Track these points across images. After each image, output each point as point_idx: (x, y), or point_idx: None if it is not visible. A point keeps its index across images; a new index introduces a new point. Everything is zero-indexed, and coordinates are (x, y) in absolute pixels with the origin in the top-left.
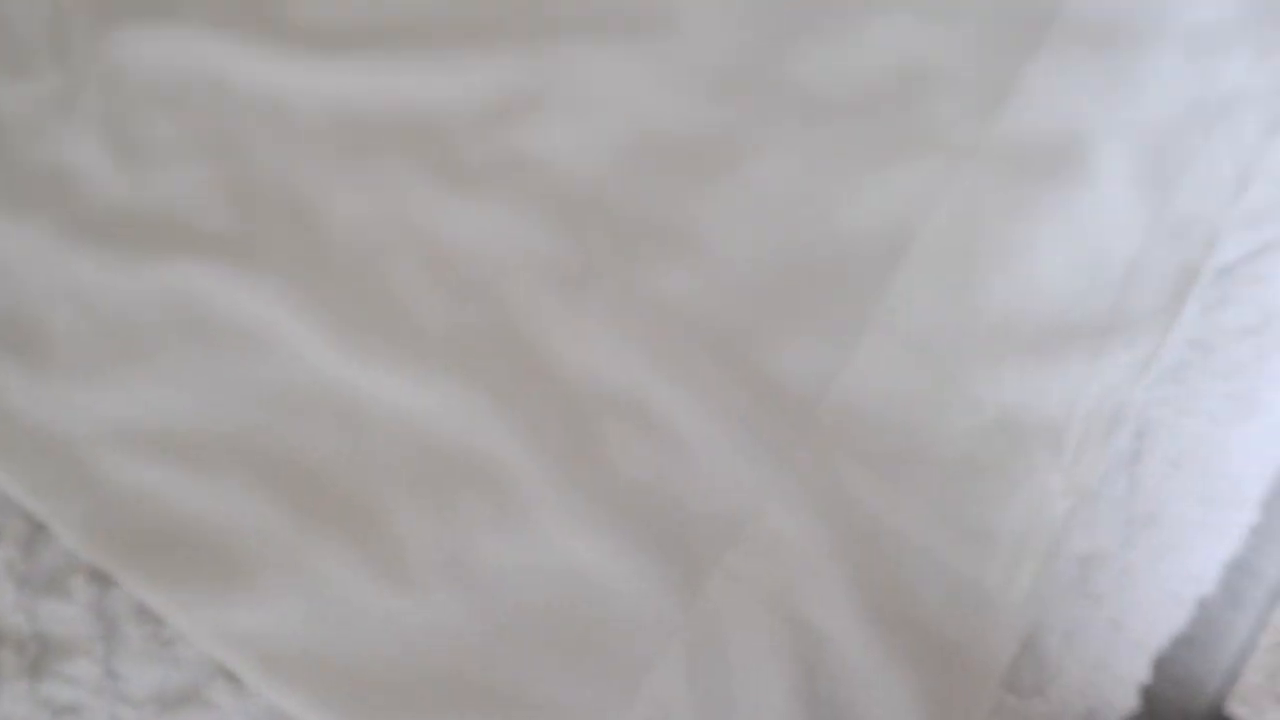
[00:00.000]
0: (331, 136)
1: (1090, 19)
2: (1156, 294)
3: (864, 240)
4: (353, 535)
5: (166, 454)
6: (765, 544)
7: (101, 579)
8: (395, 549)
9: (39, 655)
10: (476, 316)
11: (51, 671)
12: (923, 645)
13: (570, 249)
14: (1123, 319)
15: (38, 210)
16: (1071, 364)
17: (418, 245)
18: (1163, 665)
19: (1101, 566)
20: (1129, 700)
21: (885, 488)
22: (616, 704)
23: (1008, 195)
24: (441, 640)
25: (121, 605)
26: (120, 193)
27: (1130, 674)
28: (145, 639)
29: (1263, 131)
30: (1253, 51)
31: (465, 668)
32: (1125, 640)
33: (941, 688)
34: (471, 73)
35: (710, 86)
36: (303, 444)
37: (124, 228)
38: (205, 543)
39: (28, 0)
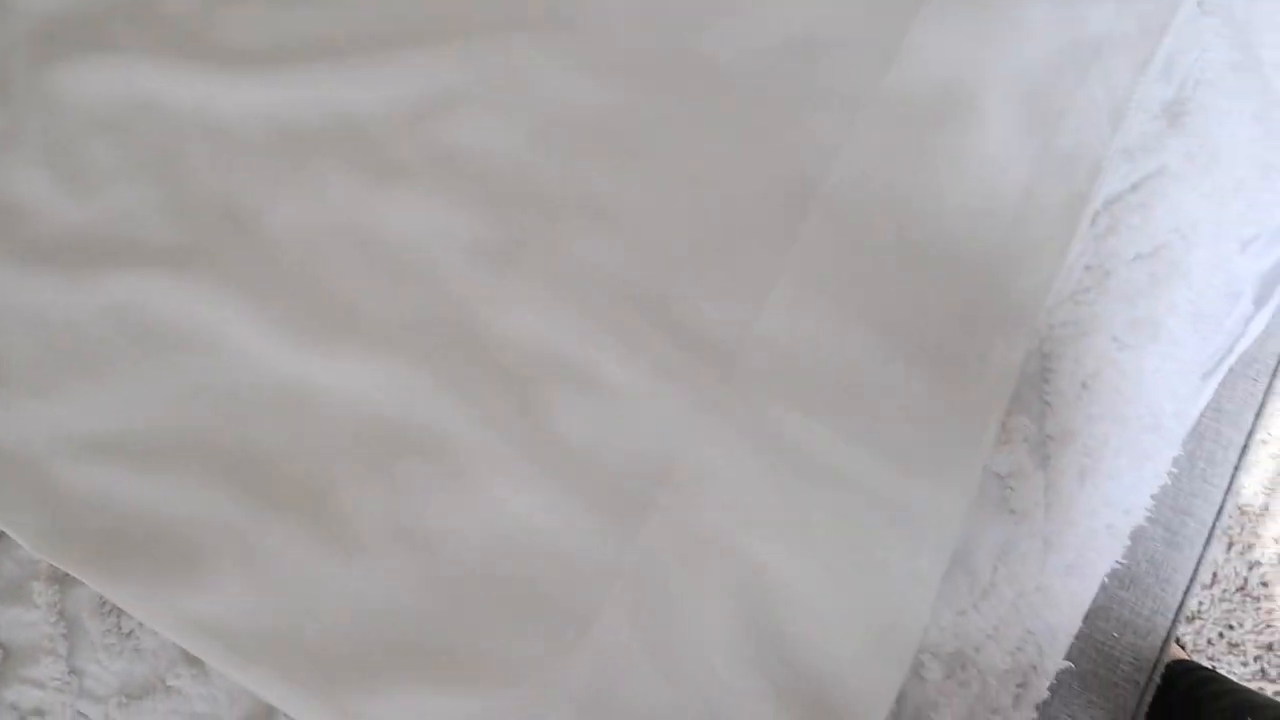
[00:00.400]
0: (267, 147)
1: None
2: (1048, 223)
3: (772, 192)
4: (303, 515)
5: (120, 458)
6: (697, 483)
7: (61, 580)
8: (345, 524)
9: (3, 663)
10: (413, 299)
11: (17, 676)
12: (858, 568)
13: (498, 229)
14: (1019, 248)
15: None
16: (975, 293)
17: (354, 240)
18: (1109, 608)
19: (1022, 483)
20: (1070, 626)
21: (810, 421)
22: (566, 651)
23: (902, 142)
24: (394, 606)
25: (82, 603)
26: (67, 217)
27: (1069, 600)
28: (105, 633)
29: (1133, 70)
30: None
31: (418, 631)
32: (1058, 563)
33: (879, 608)
34: (395, 77)
35: (617, 69)
36: (252, 436)
37: (72, 250)
38: (161, 536)
39: None
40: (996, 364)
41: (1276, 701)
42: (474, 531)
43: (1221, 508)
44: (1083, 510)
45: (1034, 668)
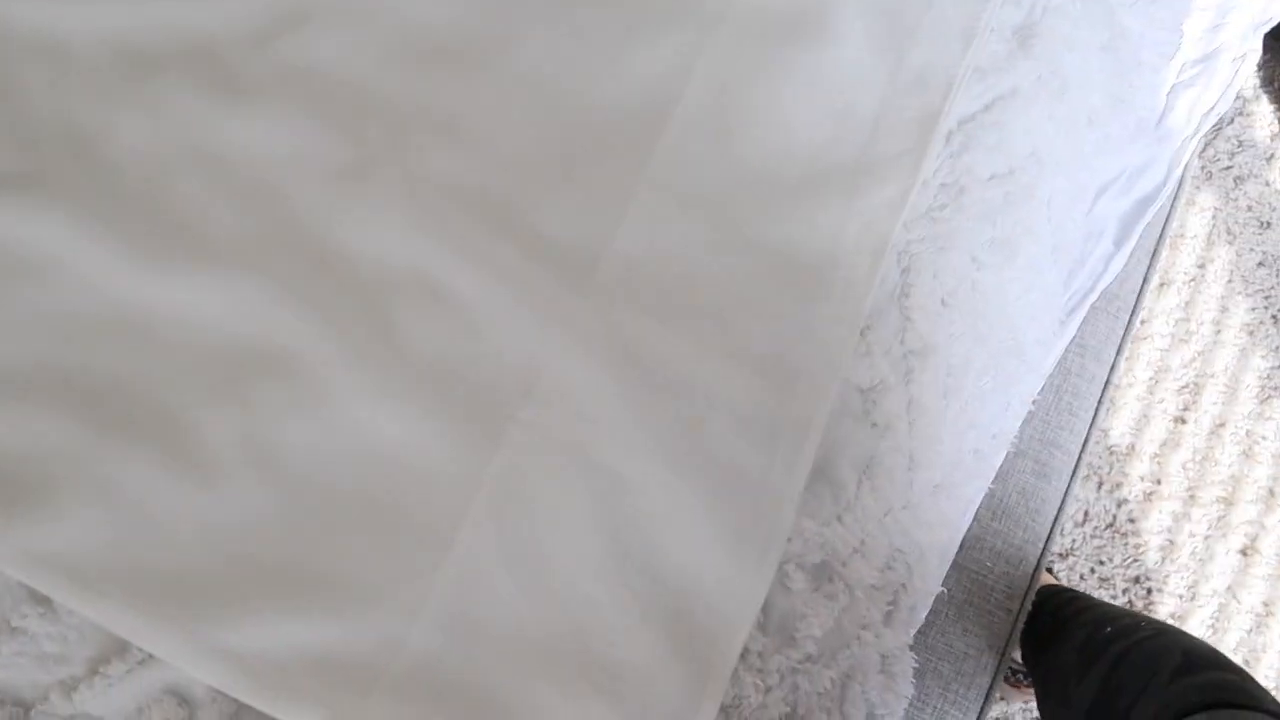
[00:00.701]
0: (111, 68)
1: None
2: (902, 139)
3: (627, 109)
4: (155, 443)
5: None
6: (556, 397)
7: None
8: (199, 449)
9: None
10: (263, 219)
11: None
12: (718, 476)
13: (348, 146)
14: (873, 162)
15: None
16: (830, 205)
17: (201, 161)
18: (981, 538)
19: (884, 396)
20: (940, 547)
21: (668, 334)
22: (428, 568)
23: (757, 58)
24: (251, 532)
25: None
26: None
27: (939, 520)
28: None
29: None
30: None
31: (276, 555)
32: (925, 481)
33: (740, 518)
34: None
35: None
36: (101, 363)
37: None
38: (3, 469)
39: None
40: (854, 276)
41: (1132, 612)
42: (331, 452)
43: (1086, 440)
44: (949, 430)
45: (903, 586)
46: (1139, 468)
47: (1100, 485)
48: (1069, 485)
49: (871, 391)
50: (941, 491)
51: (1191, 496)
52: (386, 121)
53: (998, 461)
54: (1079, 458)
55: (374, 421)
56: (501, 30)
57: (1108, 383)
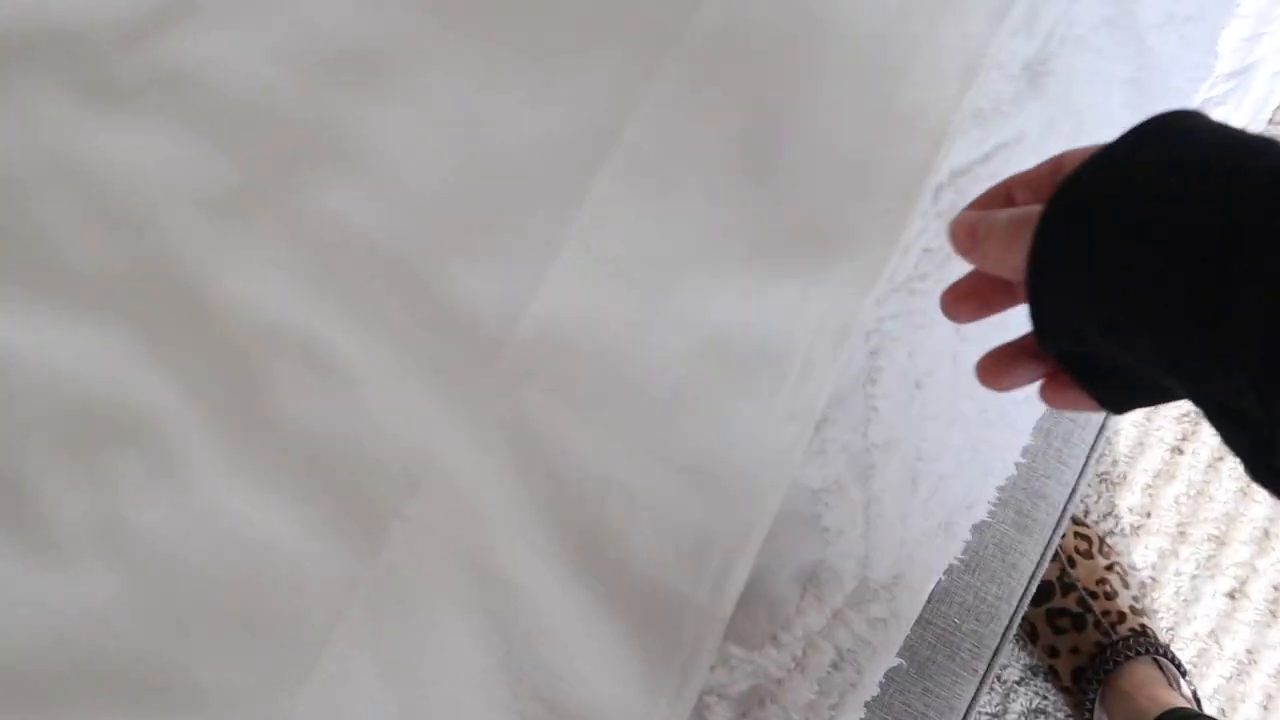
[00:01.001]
0: None
1: None
2: (880, 196)
3: (556, 147)
4: None
5: None
6: (447, 491)
7: None
8: (39, 522)
9: None
10: (126, 251)
11: None
12: (633, 594)
13: (229, 171)
14: (843, 224)
15: None
16: (788, 277)
17: (63, 175)
18: (951, 592)
19: (838, 498)
20: (895, 642)
21: (583, 423)
22: (293, 677)
23: (710, 93)
24: (93, 621)
25: None
26: None
27: (894, 615)
28: None
29: (990, 19)
30: None
31: (121, 651)
32: (880, 576)
33: (655, 644)
34: None
35: None
36: None
37: None
38: None
39: None
40: (812, 364)
41: None
42: (188, 536)
43: (1074, 491)
44: (915, 517)
45: (852, 686)
46: (1129, 498)
47: (1086, 514)
48: (1050, 538)
49: (824, 493)
50: (901, 582)
51: (1182, 533)
52: (276, 144)
53: (969, 527)
54: (1064, 510)
55: (239, 504)
56: (416, 46)
57: (1103, 428)
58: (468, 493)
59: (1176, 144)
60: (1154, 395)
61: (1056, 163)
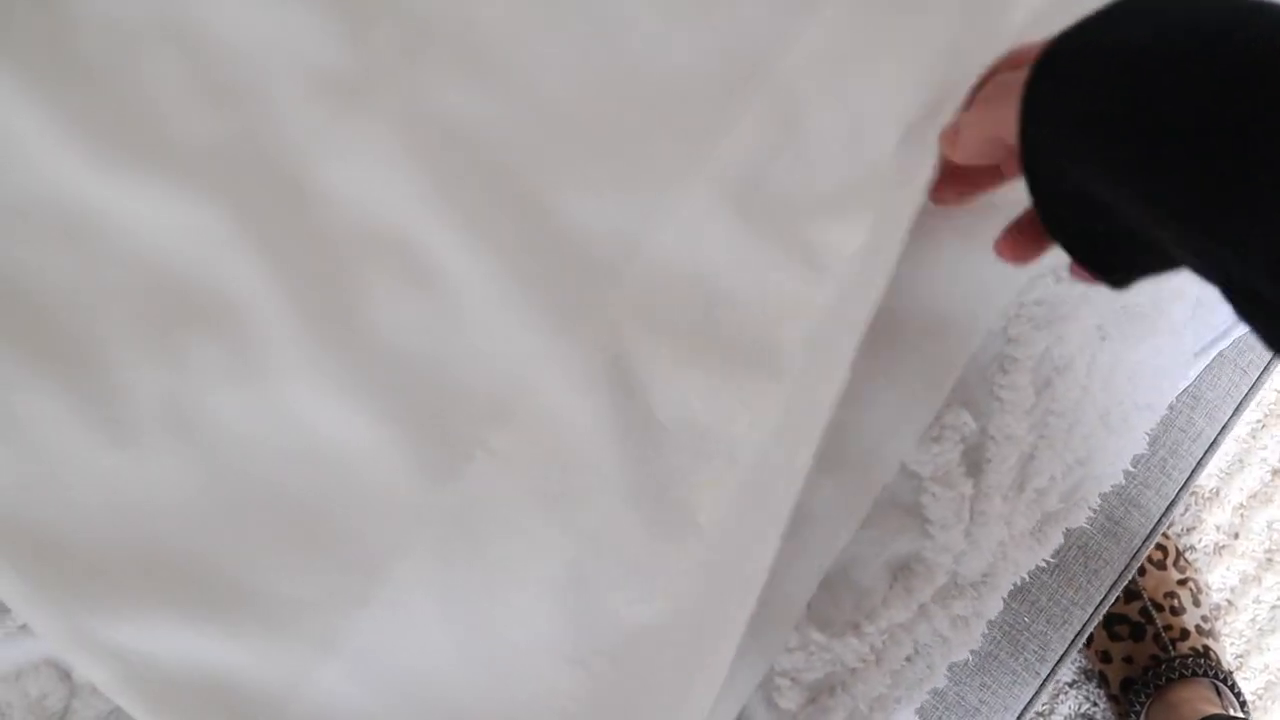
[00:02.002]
0: None
1: None
2: None
3: (704, 76)
4: (63, 373)
5: None
6: (539, 427)
7: None
8: (113, 397)
9: None
10: (230, 123)
11: None
12: (719, 560)
13: (344, 53)
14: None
15: None
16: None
17: (175, 39)
18: (1025, 589)
19: (945, 490)
20: (972, 643)
21: (688, 373)
22: (353, 599)
23: (877, 24)
24: (159, 504)
25: None
26: None
27: (975, 614)
28: None
29: None
30: None
31: (184, 540)
32: (968, 574)
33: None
34: None
35: None
36: (20, 262)
37: None
38: None
39: None
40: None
41: None
42: (262, 434)
43: (1173, 504)
44: (1020, 514)
45: (920, 681)
46: (1218, 515)
47: (1170, 526)
48: (1139, 549)
49: (931, 482)
50: (989, 581)
51: (1269, 559)
52: (398, 30)
53: (1063, 530)
54: (1158, 522)
55: (319, 410)
56: None
57: (1214, 444)
58: (560, 433)
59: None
60: (1155, 265)
61: (1013, 54)
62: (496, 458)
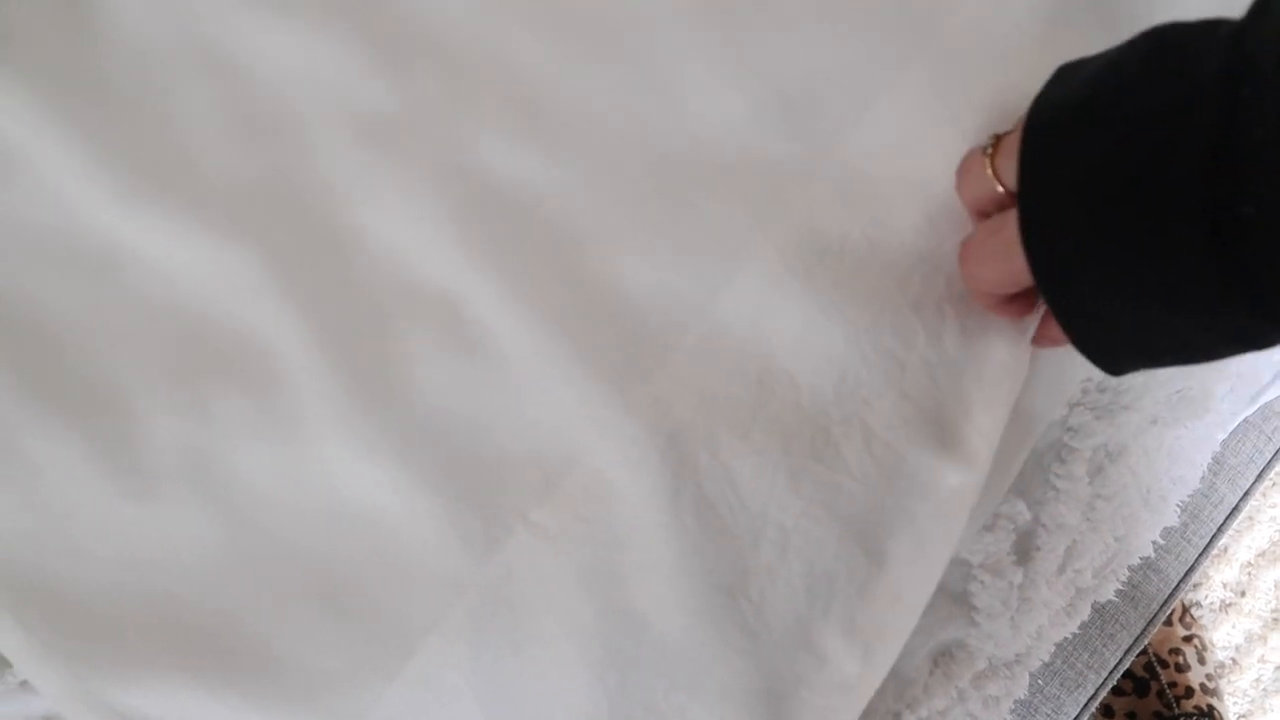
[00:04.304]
0: None
1: None
2: None
3: (773, 132)
4: (81, 416)
5: None
6: (584, 502)
7: None
8: (129, 442)
9: None
10: (265, 162)
11: None
12: (770, 646)
13: (392, 93)
14: None
15: None
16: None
17: (211, 65)
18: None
19: (994, 579)
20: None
21: (744, 452)
22: (382, 673)
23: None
24: (176, 561)
25: None
26: None
27: (1011, 692)
28: None
29: None
30: None
31: (202, 600)
32: (1005, 658)
33: (790, 707)
34: None
35: None
36: (42, 297)
37: None
38: None
39: None
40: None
41: None
42: (289, 493)
43: (1191, 569)
44: (1057, 594)
45: None
46: (1225, 572)
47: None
48: (1156, 615)
49: (981, 570)
50: (1022, 661)
51: (1276, 619)
52: (440, 63)
53: (1090, 604)
54: (1176, 588)
55: (352, 471)
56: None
57: (1235, 509)
58: (607, 507)
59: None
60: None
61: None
62: (538, 532)
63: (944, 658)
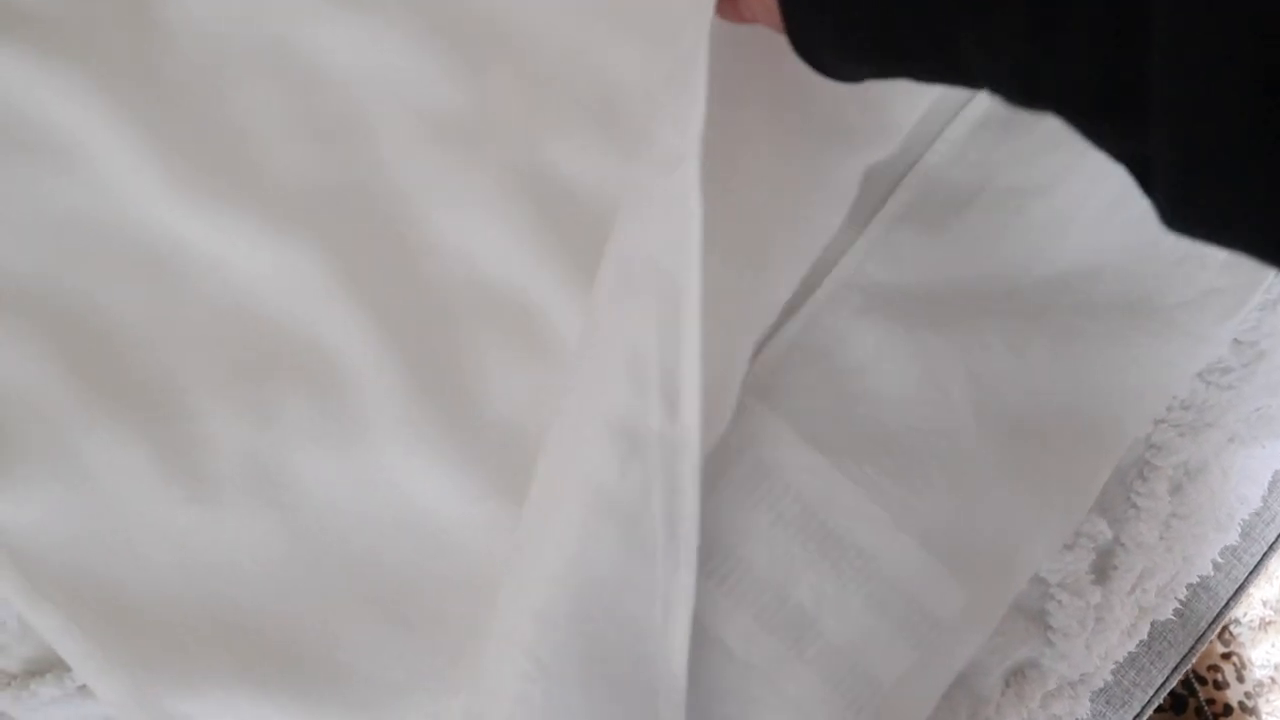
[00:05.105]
0: None
1: None
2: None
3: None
4: (144, 421)
5: None
6: None
7: None
8: (195, 448)
9: None
10: (333, 162)
11: None
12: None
13: (465, 94)
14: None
15: None
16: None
17: (279, 63)
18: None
19: (1072, 599)
20: None
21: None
22: (447, 685)
23: None
24: (238, 567)
25: None
26: None
27: (1074, 711)
28: None
29: None
30: None
31: (265, 608)
32: (1070, 673)
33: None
34: None
35: None
36: (103, 296)
37: None
38: None
39: None
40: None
41: None
42: (354, 501)
43: (1241, 587)
44: (1126, 614)
45: None
46: (1265, 590)
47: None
48: (1204, 633)
49: (1059, 590)
50: (1086, 680)
51: None
52: (516, 67)
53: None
54: (1225, 606)
55: (419, 481)
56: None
57: None
58: None
59: None
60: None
61: None
62: None
63: (1016, 677)
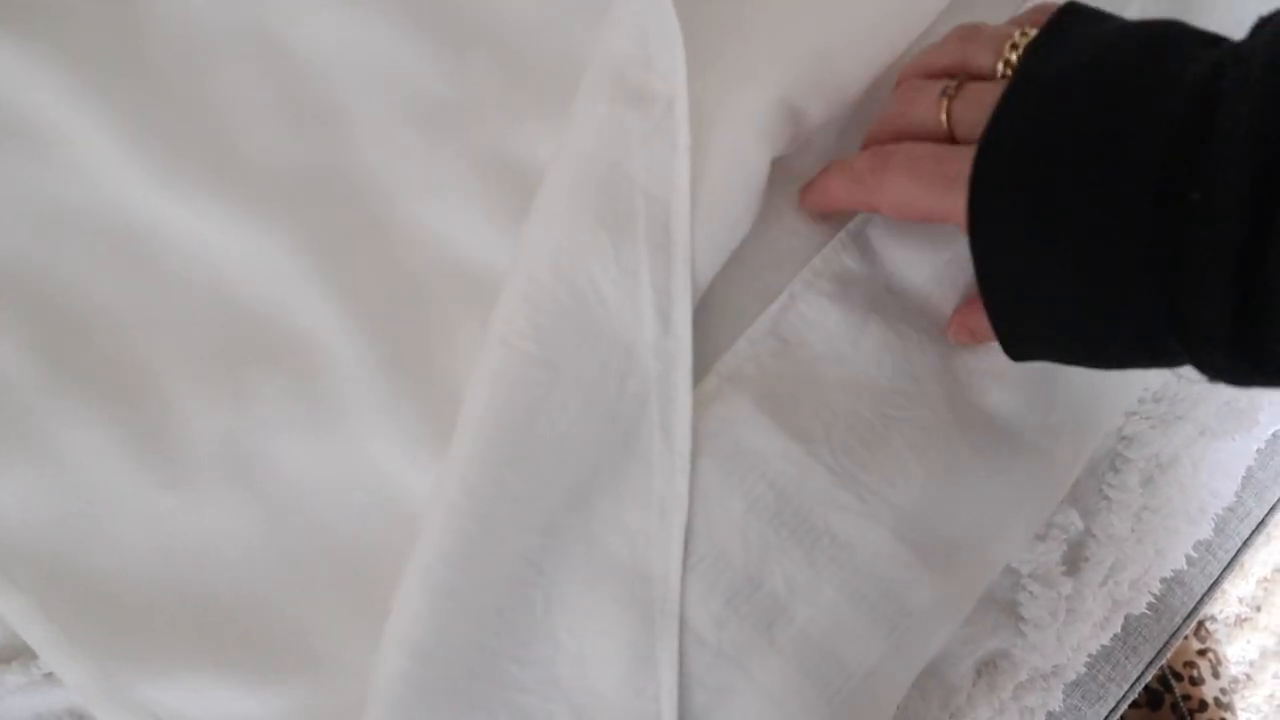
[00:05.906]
0: None
1: None
2: None
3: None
4: (116, 403)
5: None
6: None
7: None
8: (169, 431)
9: None
10: (309, 146)
11: None
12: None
13: (444, 78)
14: None
15: None
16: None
17: (258, 45)
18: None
19: (1044, 590)
20: None
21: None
22: None
23: None
24: (214, 553)
25: None
26: None
27: (1046, 704)
28: None
29: None
30: None
31: (242, 595)
32: (1042, 665)
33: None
34: None
35: None
36: (75, 278)
37: None
38: None
39: None
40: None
41: None
42: (330, 486)
43: (1215, 582)
44: (1099, 607)
45: None
46: (1241, 587)
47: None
48: (1179, 628)
49: (1030, 580)
50: (1058, 673)
51: None
52: (496, 52)
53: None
54: (1200, 601)
55: (395, 467)
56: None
57: (1262, 524)
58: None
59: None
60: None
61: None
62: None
63: (988, 667)
